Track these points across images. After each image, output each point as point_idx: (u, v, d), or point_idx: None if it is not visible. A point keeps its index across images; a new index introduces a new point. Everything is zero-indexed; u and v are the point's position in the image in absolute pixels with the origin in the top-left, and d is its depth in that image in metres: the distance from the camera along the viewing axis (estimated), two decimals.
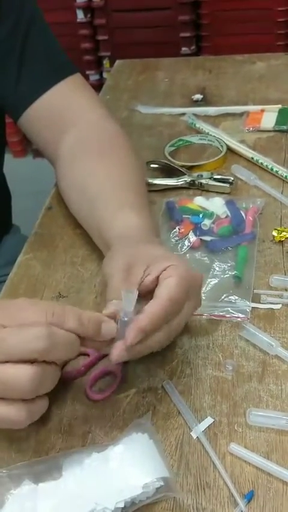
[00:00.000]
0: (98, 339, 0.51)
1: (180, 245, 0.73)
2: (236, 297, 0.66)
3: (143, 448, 0.51)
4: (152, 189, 0.84)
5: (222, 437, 0.54)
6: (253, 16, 1.83)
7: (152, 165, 0.90)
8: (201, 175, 0.85)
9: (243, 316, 0.64)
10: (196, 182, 0.85)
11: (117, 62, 1.25)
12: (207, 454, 0.53)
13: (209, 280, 0.69)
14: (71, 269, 0.73)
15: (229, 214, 0.77)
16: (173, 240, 0.74)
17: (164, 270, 0.56)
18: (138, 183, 0.74)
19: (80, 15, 1.94)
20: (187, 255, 0.72)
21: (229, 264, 0.70)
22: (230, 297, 0.66)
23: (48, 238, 0.79)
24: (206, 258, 0.71)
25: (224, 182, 0.84)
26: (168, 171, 0.89)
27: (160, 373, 0.60)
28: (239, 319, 0.64)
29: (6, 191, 1.02)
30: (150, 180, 0.85)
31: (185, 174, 0.86)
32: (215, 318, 0.65)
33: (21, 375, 0.47)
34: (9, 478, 0.50)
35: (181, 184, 0.85)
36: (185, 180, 0.85)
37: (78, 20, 1.94)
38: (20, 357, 0.47)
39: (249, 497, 0.49)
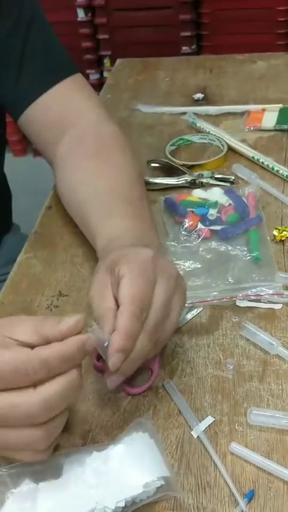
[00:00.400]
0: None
1: (192, 238, 0.74)
2: (262, 277, 0.68)
3: (143, 447, 0.51)
4: (153, 188, 0.84)
5: (222, 437, 0.54)
6: (254, 15, 1.83)
7: (152, 164, 0.90)
8: (202, 175, 0.85)
9: (277, 292, 0.66)
10: (197, 181, 0.85)
11: (118, 61, 1.25)
12: (207, 453, 0.53)
13: (232, 265, 0.70)
14: (72, 268, 0.73)
15: (232, 202, 0.78)
16: (184, 233, 0.74)
17: (118, 273, 0.54)
18: (131, 187, 0.73)
19: (81, 14, 1.94)
20: (201, 246, 0.73)
21: (244, 248, 0.72)
22: (256, 278, 0.68)
23: (49, 238, 0.79)
24: (220, 247, 0.72)
25: (224, 181, 0.84)
26: (169, 170, 0.88)
27: (161, 372, 0.60)
28: (275, 296, 0.66)
29: (6, 190, 1.01)
30: (150, 179, 0.85)
31: (186, 173, 0.86)
32: (251, 297, 0.66)
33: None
34: (10, 477, 0.50)
35: (182, 183, 0.85)
36: (186, 179, 0.85)
37: (78, 19, 1.94)
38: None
39: (250, 496, 0.49)
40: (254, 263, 0.70)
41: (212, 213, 0.76)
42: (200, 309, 0.66)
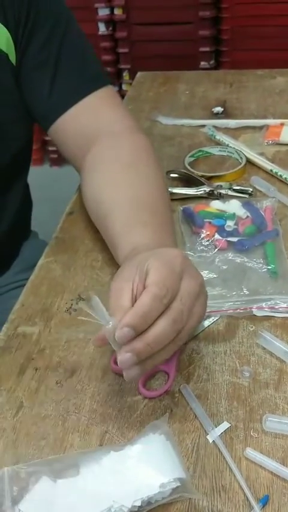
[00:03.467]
0: None
1: (208, 248, 0.75)
2: (278, 290, 0.68)
3: (160, 448, 0.51)
4: (172, 198, 0.85)
5: (238, 442, 0.55)
6: (272, 33, 1.86)
7: (171, 175, 0.91)
8: (221, 186, 0.87)
9: None
10: (215, 192, 0.86)
11: (139, 74, 1.27)
12: (223, 457, 0.53)
13: (248, 276, 0.71)
14: (91, 273, 0.74)
15: (249, 214, 0.79)
16: (201, 243, 0.75)
17: (145, 272, 0.55)
18: (156, 199, 0.73)
19: (102, 28, 1.97)
20: (217, 257, 0.74)
21: (261, 261, 0.73)
22: (271, 290, 0.68)
23: (69, 242, 0.80)
24: (236, 258, 0.73)
25: (243, 193, 0.85)
26: (188, 180, 0.90)
27: (177, 377, 0.61)
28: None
29: (29, 200, 1.03)
30: (169, 189, 0.86)
31: (204, 184, 0.88)
32: (264, 309, 0.67)
33: None
34: (28, 474, 0.51)
35: (200, 193, 0.87)
36: (204, 190, 0.87)
37: (100, 33, 1.97)
38: None
39: (264, 501, 0.50)
40: (270, 276, 0.71)
41: (230, 224, 0.77)
42: (217, 317, 0.67)
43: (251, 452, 0.53)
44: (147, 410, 0.58)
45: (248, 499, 0.50)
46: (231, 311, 0.67)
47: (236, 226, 0.77)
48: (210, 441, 0.55)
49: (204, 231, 0.77)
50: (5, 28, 0.74)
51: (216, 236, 0.76)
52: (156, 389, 0.59)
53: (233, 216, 0.78)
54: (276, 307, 0.67)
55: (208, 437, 0.55)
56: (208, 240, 0.76)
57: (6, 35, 0.75)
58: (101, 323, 0.52)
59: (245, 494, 0.50)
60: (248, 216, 0.79)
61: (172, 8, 1.89)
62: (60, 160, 2.32)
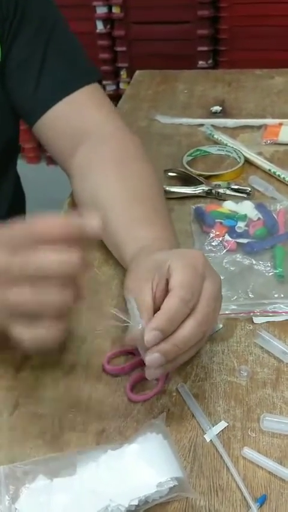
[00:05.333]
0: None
1: (217, 248, 0.74)
2: (283, 295, 0.68)
3: (157, 447, 0.51)
4: (169, 197, 0.85)
5: (235, 442, 0.54)
6: (271, 32, 1.85)
7: (169, 173, 0.91)
8: (219, 185, 0.86)
9: None
10: (213, 191, 0.86)
11: (137, 72, 1.27)
12: (220, 457, 0.53)
13: (254, 279, 0.70)
14: (89, 272, 0.74)
15: (261, 216, 0.79)
16: (211, 243, 0.75)
17: (167, 272, 0.55)
18: (152, 196, 0.73)
19: (100, 26, 1.96)
20: (225, 258, 0.73)
21: (268, 264, 0.72)
22: (276, 295, 0.68)
23: None
24: (245, 260, 0.73)
25: (241, 192, 0.85)
26: (186, 179, 0.90)
27: (175, 376, 0.60)
28: None
29: (21, 192, 1.02)
30: (167, 188, 0.86)
31: (202, 183, 0.87)
32: (268, 313, 0.66)
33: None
34: (24, 472, 0.50)
35: (198, 192, 0.86)
36: (203, 189, 0.86)
37: (97, 31, 1.96)
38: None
39: (262, 501, 0.50)
40: (277, 280, 0.70)
41: (240, 225, 0.77)
42: (220, 326, 0.66)
43: (249, 452, 0.53)
44: (145, 410, 0.57)
45: (245, 499, 0.50)
46: (234, 315, 0.67)
47: (246, 228, 0.77)
48: (208, 440, 0.55)
49: (214, 231, 0.76)
50: None
51: (226, 237, 0.75)
52: (145, 393, 0.58)
53: (244, 217, 0.78)
54: (280, 311, 0.66)
55: (205, 436, 0.55)
56: (217, 240, 0.75)
57: None
58: (127, 325, 0.53)
59: (242, 493, 0.50)
60: (259, 218, 0.79)
61: (170, 7, 1.89)
62: None
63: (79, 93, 0.80)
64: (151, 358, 0.52)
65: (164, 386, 0.59)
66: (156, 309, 0.54)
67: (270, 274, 0.71)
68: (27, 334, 0.48)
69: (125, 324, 0.54)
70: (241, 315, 0.66)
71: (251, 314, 0.66)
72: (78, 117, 0.80)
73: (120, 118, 0.84)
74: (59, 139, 0.81)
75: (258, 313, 0.66)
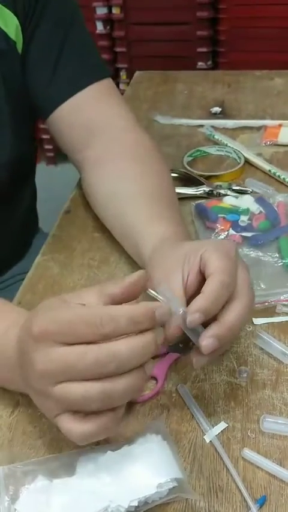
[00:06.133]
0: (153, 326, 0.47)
1: None
2: None
3: (157, 448, 0.51)
4: None
5: (235, 443, 0.54)
6: (270, 34, 1.86)
7: (170, 174, 0.91)
8: (220, 186, 0.86)
9: None
10: (214, 192, 0.86)
11: (137, 73, 1.27)
12: (220, 458, 0.53)
13: (264, 270, 0.71)
14: (88, 271, 0.74)
15: (262, 210, 0.79)
16: (218, 238, 0.75)
17: (201, 261, 0.55)
18: (167, 193, 0.74)
19: (100, 27, 1.97)
20: None
21: (276, 255, 0.73)
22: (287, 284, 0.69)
23: (66, 241, 0.80)
24: (251, 253, 0.73)
25: (242, 193, 0.85)
26: (186, 180, 0.90)
27: (175, 377, 0.60)
28: None
29: (35, 194, 1.02)
30: None
31: (203, 184, 0.88)
32: (282, 302, 0.67)
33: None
34: (24, 473, 0.50)
35: (200, 193, 0.86)
36: (204, 190, 0.86)
37: (97, 32, 1.97)
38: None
39: (262, 502, 0.50)
40: (285, 270, 0.71)
41: (244, 219, 0.77)
42: None
43: (248, 453, 0.53)
44: (144, 410, 0.57)
45: (245, 500, 0.50)
46: None
47: (249, 221, 0.78)
48: (207, 441, 0.54)
49: (219, 226, 0.77)
50: (15, 17, 0.75)
51: (231, 231, 0.76)
52: (143, 395, 0.58)
53: (246, 211, 0.79)
54: None
55: (205, 437, 0.55)
56: (223, 235, 0.76)
57: (16, 24, 0.75)
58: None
59: (242, 494, 0.50)
60: (261, 212, 0.79)
61: (170, 8, 1.89)
62: (56, 158, 2.31)
63: (94, 87, 0.81)
64: (208, 342, 0.51)
65: (163, 386, 0.59)
66: (188, 298, 0.54)
67: (279, 264, 0.72)
68: (78, 429, 0.46)
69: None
70: (257, 305, 0.67)
71: (266, 304, 0.67)
72: (94, 112, 0.81)
73: (132, 113, 0.85)
74: (72, 132, 0.81)
75: (273, 303, 0.67)
